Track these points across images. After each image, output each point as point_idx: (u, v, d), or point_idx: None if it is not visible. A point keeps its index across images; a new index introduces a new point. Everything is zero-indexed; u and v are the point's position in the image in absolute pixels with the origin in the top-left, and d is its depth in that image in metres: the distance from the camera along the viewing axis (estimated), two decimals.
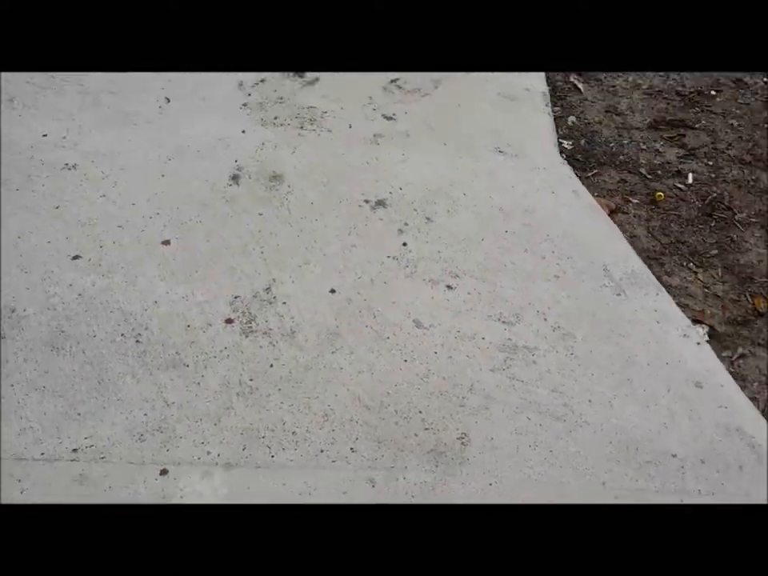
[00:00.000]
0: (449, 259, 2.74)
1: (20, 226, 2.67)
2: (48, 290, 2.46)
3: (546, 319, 2.56)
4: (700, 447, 2.20)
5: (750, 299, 2.95)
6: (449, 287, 2.64)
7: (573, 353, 2.45)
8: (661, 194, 3.41)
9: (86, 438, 2.07)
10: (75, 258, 2.58)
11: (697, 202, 3.44)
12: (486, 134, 3.35)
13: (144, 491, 1.95)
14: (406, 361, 2.37)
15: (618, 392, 2.34)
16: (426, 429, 2.19)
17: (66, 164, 2.96)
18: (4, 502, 1.82)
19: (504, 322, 2.53)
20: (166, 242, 2.68)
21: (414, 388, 2.29)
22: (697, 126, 3.91)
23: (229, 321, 2.43)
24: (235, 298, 2.51)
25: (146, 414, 2.14)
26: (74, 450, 2.04)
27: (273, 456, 2.09)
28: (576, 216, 3.00)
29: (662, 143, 3.75)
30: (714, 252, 3.21)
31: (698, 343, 2.53)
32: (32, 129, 3.11)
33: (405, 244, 2.79)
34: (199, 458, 2.05)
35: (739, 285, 3.08)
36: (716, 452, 2.19)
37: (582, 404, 2.30)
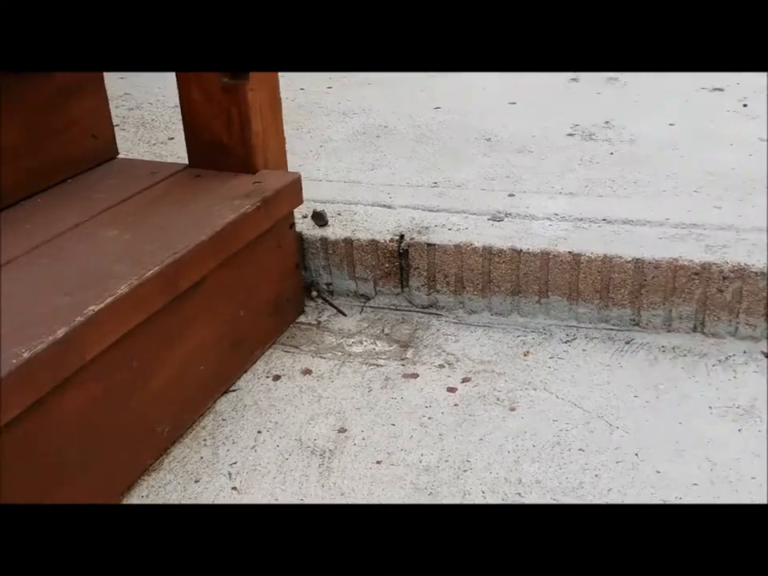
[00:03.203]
0: None
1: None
2: (412, 119, 2.87)
3: None
4: None
5: None
6: None
7: None
8: None
9: (443, 178, 2.34)
10: (436, 108, 2.99)
11: None
12: None
13: (493, 203, 2.14)
14: None
15: None
16: None
17: None
18: None
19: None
20: (512, 103, 3.00)
21: None
22: None
23: (570, 135, 2.63)
24: (575, 125, 2.72)
25: (495, 170, 2.38)
26: (435, 183, 2.31)
27: (615, 191, 2.18)
28: None
29: None
30: None
31: None
32: None
33: None
34: (544, 190, 2.21)
35: None
36: None
37: None
